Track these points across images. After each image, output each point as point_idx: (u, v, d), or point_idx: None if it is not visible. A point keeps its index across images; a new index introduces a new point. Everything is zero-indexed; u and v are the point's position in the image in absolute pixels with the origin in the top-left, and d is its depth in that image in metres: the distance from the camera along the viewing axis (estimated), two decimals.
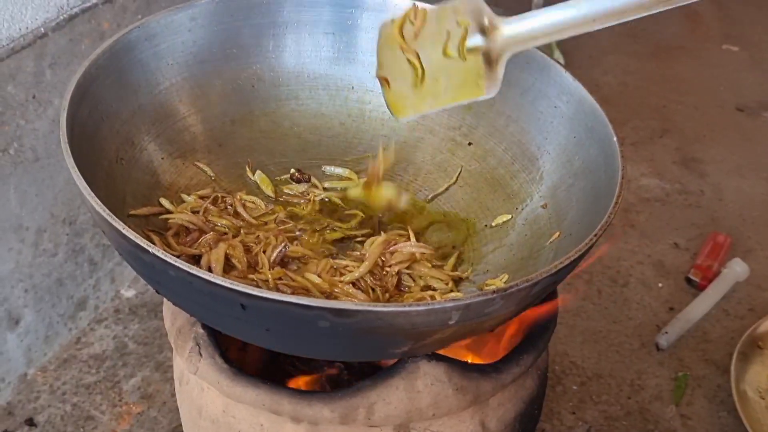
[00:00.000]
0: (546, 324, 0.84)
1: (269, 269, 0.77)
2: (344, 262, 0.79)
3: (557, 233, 0.80)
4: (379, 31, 0.76)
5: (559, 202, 0.83)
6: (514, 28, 0.71)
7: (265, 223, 0.84)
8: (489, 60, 0.71)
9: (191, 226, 0.81)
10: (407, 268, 0.81)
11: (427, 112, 0.77)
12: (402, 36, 0.74)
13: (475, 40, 0.71)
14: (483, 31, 0.71)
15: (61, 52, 1.04)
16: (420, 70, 0.74)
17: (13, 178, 1.02)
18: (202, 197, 0.85)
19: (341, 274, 0.78)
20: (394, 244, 0.81)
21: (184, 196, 0.85)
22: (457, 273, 0.82)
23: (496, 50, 0.71)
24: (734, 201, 1.63)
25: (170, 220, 0.81)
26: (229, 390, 0.76)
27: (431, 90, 0.74)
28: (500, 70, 0.72)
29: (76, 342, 1.22)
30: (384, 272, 0.80)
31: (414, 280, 0.81)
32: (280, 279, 0.76)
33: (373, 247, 0.81)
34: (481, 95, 0.73)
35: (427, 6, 0.74)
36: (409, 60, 0.74)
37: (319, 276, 0.77)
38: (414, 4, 0.75)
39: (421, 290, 0.80)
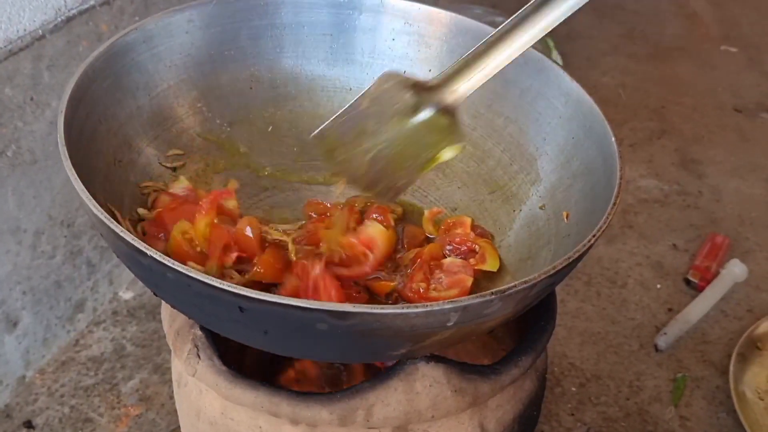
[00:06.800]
0: (544, 325, 0.84)
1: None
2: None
3: (555, 234, 0.80)
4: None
5: (557, 204, 0.83)
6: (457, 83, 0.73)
7: None
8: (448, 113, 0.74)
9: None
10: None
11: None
12: None
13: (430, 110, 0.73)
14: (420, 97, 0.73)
15: (59, 54, 1.04)
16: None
17: (11, 180, 1.02)
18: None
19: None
20: None
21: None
22: None
23: (451, 105, 0.73)
24: (733, 202, 1.63)
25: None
26: (228, 392, 0.76)
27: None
28: (458, 119, 0.74)
29: (75, 344, 1.22)
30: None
31: None
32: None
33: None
34: (460, 142, 0.75)
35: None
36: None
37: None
38: None
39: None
